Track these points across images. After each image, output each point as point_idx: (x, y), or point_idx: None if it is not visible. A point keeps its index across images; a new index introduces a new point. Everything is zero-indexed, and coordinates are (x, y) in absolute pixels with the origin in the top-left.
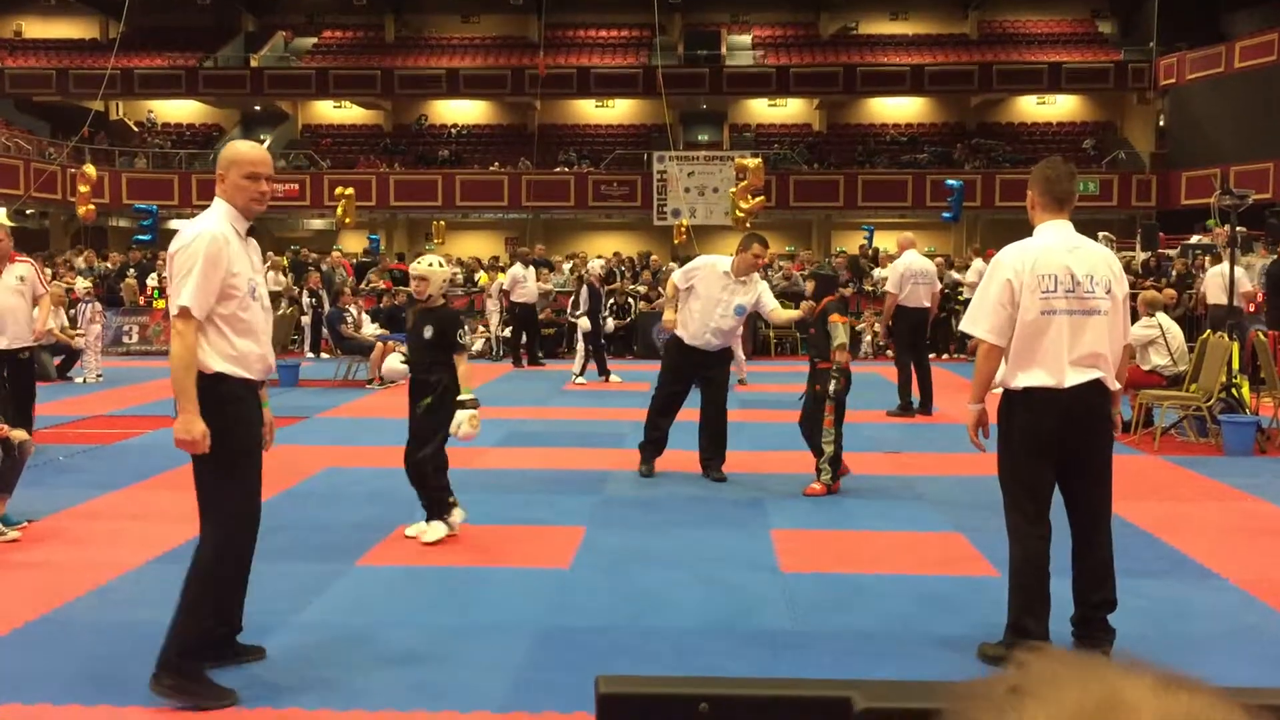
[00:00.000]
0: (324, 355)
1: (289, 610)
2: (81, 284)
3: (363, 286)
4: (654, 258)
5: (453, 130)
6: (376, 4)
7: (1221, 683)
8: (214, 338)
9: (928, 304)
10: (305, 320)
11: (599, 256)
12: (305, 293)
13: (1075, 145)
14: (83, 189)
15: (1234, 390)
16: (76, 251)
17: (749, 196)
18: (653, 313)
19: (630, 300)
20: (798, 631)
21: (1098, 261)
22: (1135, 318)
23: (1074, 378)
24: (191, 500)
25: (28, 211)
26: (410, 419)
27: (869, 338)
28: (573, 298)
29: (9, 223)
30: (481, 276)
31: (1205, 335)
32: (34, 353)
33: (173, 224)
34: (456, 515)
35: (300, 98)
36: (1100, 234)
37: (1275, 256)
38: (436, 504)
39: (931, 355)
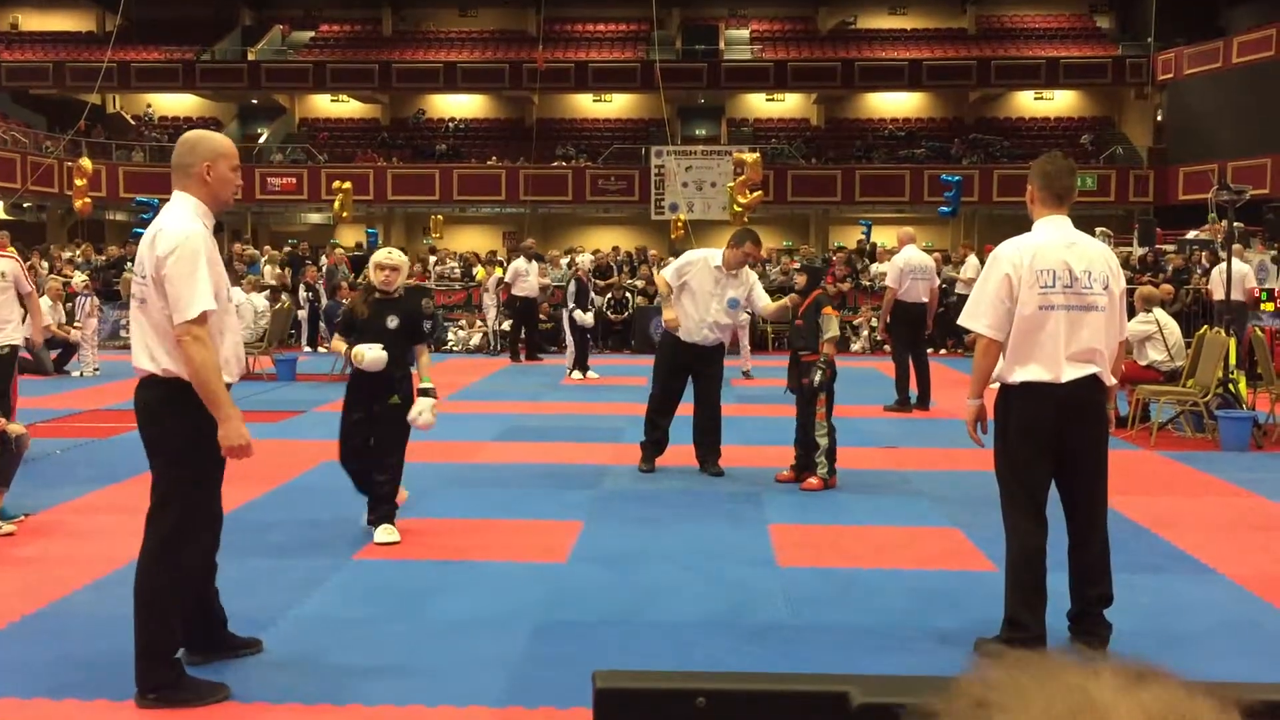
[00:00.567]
0: (321, 349)
1: (285, 604)
2: (79, 278)
3: (360, 280)
4: (653, 252)
5: (450, 124)
6: None
7: (1217, 678)
8: None
9: (926, 299)
10: (302, 315)
11: (588, 251)
12: (302, 287)
13: (1073, 140)
14: (79, 182)
15: (1231, 385)
16: (74, 245)
17: (747, 191)
18: (650, 308)
19: (628, 295)
20: (795, 626)
21: (1096, 257)
22: (1132, 313)
23: (1070, 373)
24: None
25: (25, 205)
26: (362, 415)
27: (866, 332)
28: (564, 292)
29: None
30: (479, 271)
31: (1203, 330)
32: (14, 349)
33: None
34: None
35: (297, 91)
36: (1098, 229)
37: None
38: (389, 499)
39: (930, 350)
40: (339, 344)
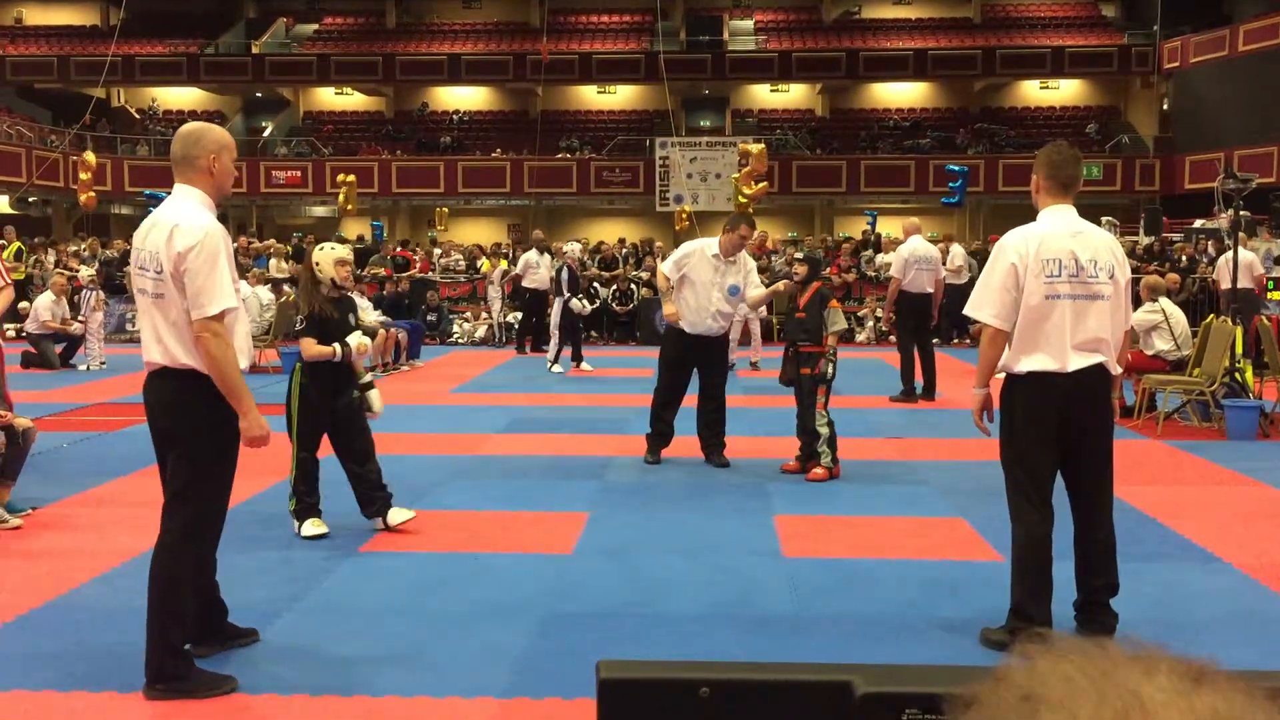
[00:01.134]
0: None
1: (293, 596)
2: (85, 272)
3: (364, 274)
4: (658, 244)
5: (455, 116)
6: None
7: (1226, 667)
8: None
9: (931, 289)
10: None
11: (576, 240)
12: None
13: (1079, 130)
14: (84, 176)
15: (1237, 375)
16: (79, 239)
17: (752, 182)
18: (655, 299)
19: (633, 286)
20: (800, 616)
21: (1101, 246)
22: (1138, 303)
23: (1077, 362)
24: None
25: (30, 199)
26: (329, 411)
27: (871, 323)
28: (554, 282)
29: None
30: (484, 263)
31: (1209, 319)
32: None
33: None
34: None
35: (302, 84)
36: (1103, 219)
37: None
38: (382, 484)
39: (936, 341)
40: (323, 348)
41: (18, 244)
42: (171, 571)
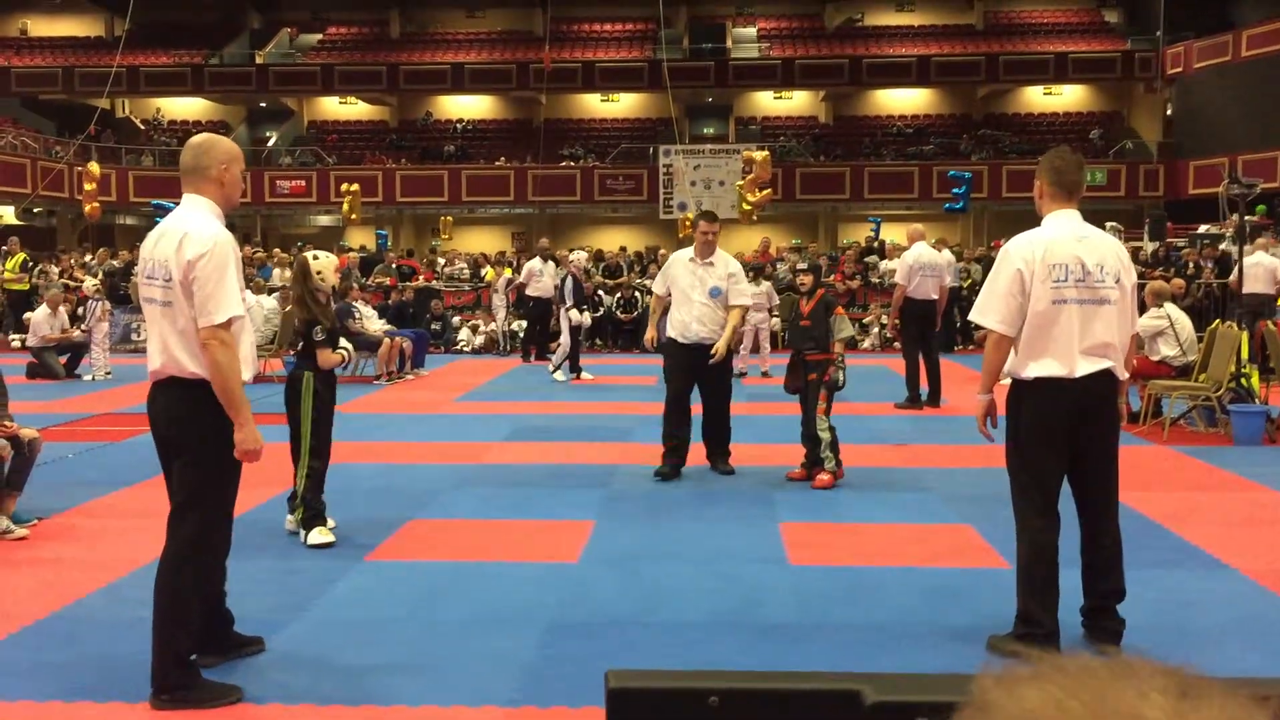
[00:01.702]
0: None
1: (299, 606)
2: (89, 282)
3: (369, 282)
4: (662, 252)
5: (458, 125)
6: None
7: (1231, 673)
8: None
9: (936, 296)
10: None
11: (580, 248)
12: None
13: (1082, 135)
14: (88, 187)
15: (1243, 380)
16: (83, 249)
17: (756, 189)
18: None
19: (637, 294)
20: (806, 624)
21: (1107, 251)
22: (1144, 308)
23: (1085, 367)
24: None
25: (35, 210)
26: (329, 421)
27: (876, 330)
28: (559, 291)
29: None
30: (488, 271)
31: (1214, 325)
32: None
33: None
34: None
35: (306, 94)
36: (1108, 224)
37: None
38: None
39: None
40: (335, 356)
41: (22, 255)
42: (178, 581)
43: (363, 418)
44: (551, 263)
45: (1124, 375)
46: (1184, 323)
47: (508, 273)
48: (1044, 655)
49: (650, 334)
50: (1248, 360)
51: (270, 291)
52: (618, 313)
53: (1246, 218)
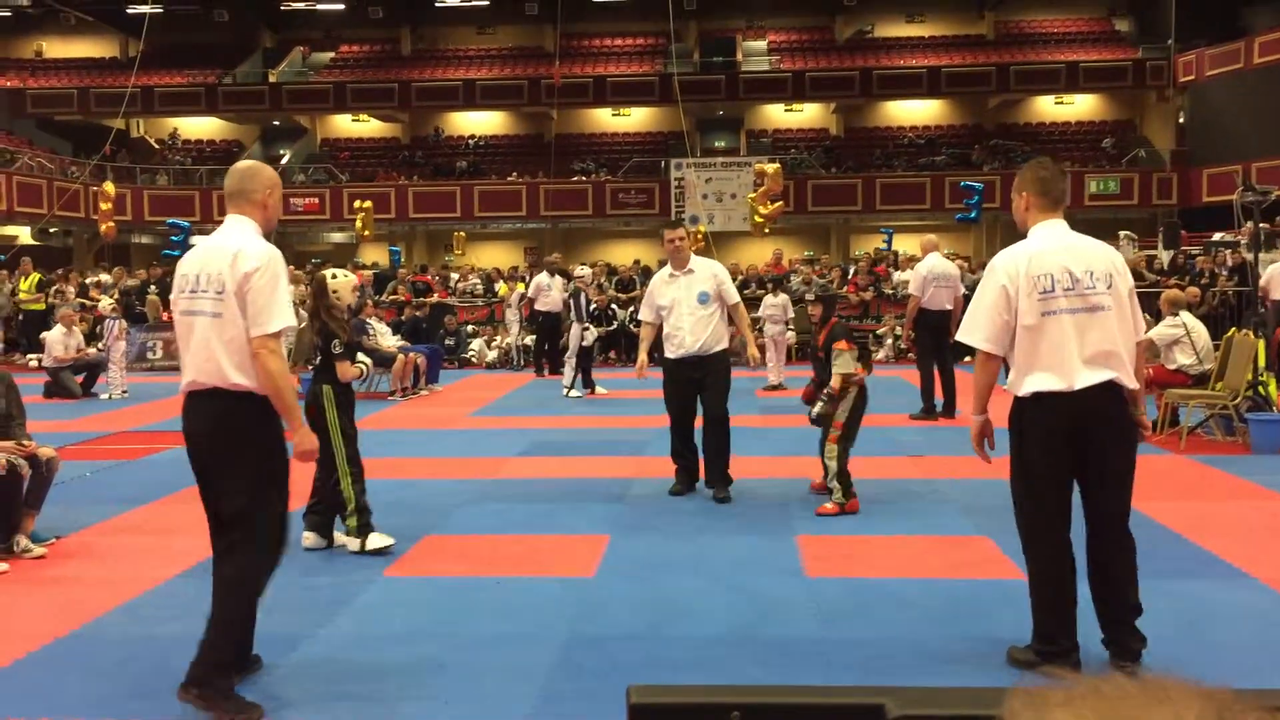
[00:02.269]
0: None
1: (317, 622)
2: (105, 301)
3: (383, 298)
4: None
5: (470, 141)
6: (392, 17)
7: (1252, 685)
8: None
9: (950, 307)
10: None
11: (585, 264)
12: None
13: (1095, 144)
14: (104, 206)
15: (1260, 388)
16: (101, 268)
17: (768, 202)
18: None
19: None
20: (824, 637)
21: (1096, 256)
22: (1159, 317)
23: (1086, 379)
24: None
25: (52, 230)
26: (354, 430)
27: (890, 340)
28: (567, 306)
29: None
30: (501, 287)
31: (1231, 333)
32: None
33: (195, 239)
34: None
35: (318, 112)
36: (1121, 233)
37: None
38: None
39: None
40: (355, 369)
41: (37, 275)
42: (240, 601)
43: (378, 433)
44: (559, 277)
45: (1133, 384)
46: (1200, 331)
47: (521, 288)
48: (1078, 677)
49: (642, 359)
50: (1265, 368)
51: None
52: (631, 326)
53: (1261, 224)
